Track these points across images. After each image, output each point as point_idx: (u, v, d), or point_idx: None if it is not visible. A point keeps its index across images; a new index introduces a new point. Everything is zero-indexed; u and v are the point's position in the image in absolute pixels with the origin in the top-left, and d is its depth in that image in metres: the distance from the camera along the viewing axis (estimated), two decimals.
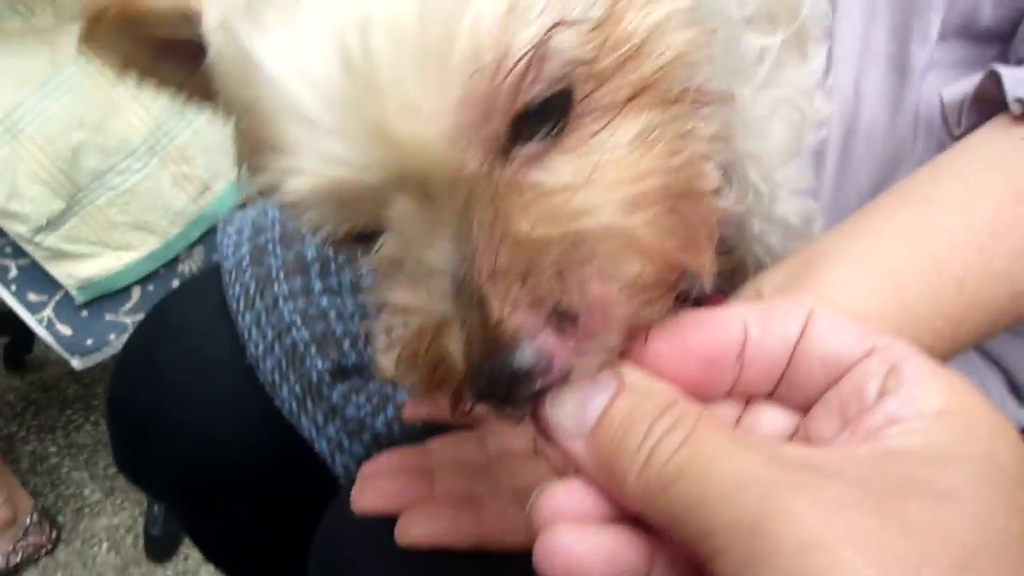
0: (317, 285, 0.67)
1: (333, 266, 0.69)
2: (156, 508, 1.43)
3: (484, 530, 0.41)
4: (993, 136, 0.53)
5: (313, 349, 0.65)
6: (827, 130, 0.56)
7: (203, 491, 0.72)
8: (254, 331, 0.68)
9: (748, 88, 0.46)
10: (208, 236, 1.36)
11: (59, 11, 1.39)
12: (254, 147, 0.33)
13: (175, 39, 0.37)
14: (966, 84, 0.56)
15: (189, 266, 1.38)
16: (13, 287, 1.27)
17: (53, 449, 1.62)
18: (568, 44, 0.31)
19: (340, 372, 0.65)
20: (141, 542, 1.49)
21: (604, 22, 0.31)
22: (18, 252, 1.25)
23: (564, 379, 0.31)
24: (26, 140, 1.19)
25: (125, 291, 1.34)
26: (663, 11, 0.33)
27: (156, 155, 1.28)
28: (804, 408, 0.33)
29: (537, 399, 0.32)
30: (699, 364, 0.33)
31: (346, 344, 0.66)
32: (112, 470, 1.57)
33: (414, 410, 0.52)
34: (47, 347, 1.31)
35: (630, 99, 0.32)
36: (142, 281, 1.35)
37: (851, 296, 0.48)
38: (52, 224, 1.24)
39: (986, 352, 0.67)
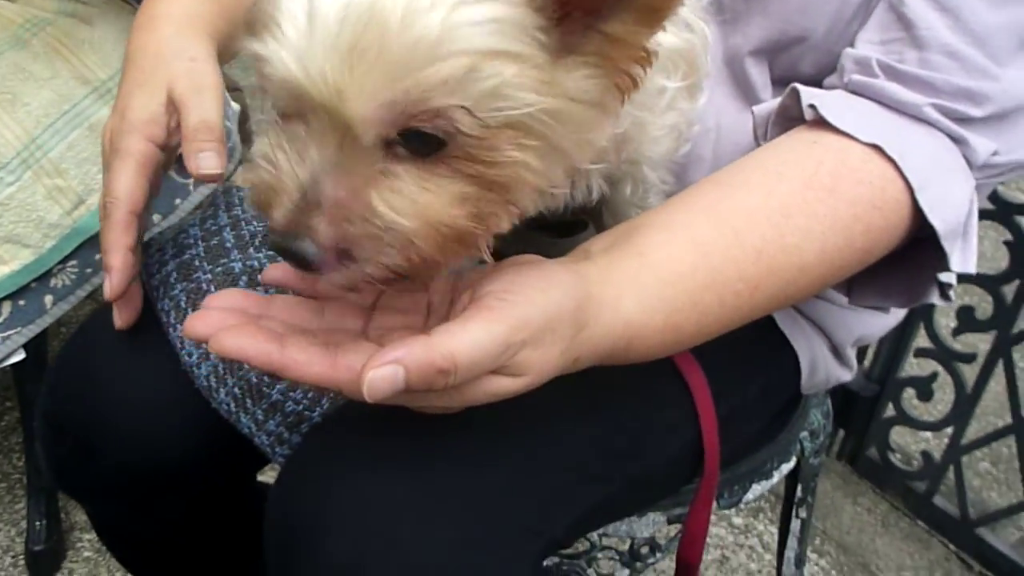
0: None
1: (259, 276, 0.76)
2: (38, 524, 1.41)
3: (284, 358, 0.48)
4: (792, 137, 0.65)
5: None
6: (691, 146, 0.68)
7: (144, 494, 0.77)
8: (187, 341, 0.73)
9: (651, 115, 0.60)
10: (82, 249, 1.36)
11: None
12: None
13: None
14: (773, 102, 0.71)
15: (62, 280, 1.37)
16: None
17: None
18: (462, 122, 0.46)
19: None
20: (21, 561, 1.46)
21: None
22: None
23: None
24: None
25: None
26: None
27: (29, 168, 1.27)
28: None
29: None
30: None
31: None
32: None
33: (272, 275, 0.61)
34: None
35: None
36: (13, 295, 1.33)
37: (666, 256, 0.58)
38: None
39: (813, 320, 0.82)
